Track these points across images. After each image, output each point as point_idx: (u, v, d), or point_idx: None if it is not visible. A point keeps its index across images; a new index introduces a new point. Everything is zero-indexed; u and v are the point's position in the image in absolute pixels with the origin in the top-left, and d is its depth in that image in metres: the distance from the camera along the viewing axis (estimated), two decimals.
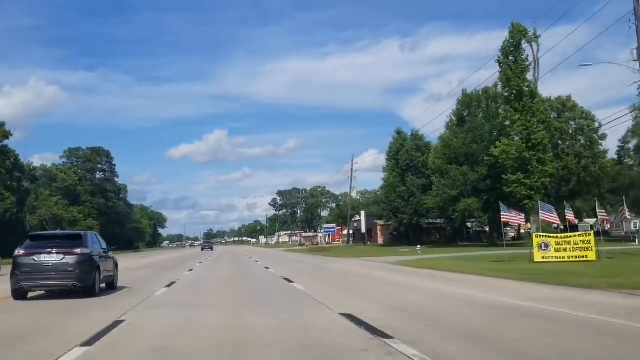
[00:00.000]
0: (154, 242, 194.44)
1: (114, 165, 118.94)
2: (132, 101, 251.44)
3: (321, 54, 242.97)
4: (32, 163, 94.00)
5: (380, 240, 79.73)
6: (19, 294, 13.93)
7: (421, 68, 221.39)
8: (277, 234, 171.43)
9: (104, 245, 16.56)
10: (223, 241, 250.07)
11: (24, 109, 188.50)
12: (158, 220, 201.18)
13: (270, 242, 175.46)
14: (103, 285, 15.66)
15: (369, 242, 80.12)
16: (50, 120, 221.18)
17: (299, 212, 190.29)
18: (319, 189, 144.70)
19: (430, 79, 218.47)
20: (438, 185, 52.90)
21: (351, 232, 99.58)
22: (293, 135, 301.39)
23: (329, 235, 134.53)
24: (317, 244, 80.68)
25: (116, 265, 17.38)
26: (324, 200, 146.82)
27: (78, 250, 14.10)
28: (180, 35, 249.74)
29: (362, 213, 80.00)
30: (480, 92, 53.89)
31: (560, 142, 53.64)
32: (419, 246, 43.44)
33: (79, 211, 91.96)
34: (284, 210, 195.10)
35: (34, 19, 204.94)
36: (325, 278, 21.17)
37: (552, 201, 51.62)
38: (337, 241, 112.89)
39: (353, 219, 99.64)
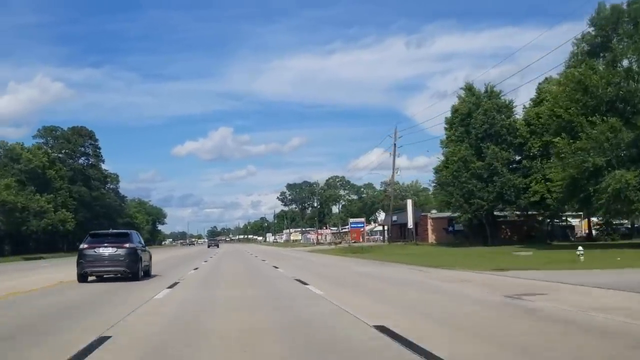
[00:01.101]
0: (153, 239, 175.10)
1: (99, 148, 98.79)
2: (138, 98, 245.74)
3: (326, 51, 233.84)
4: None
5: (431, 238, 59.38)
6: (83, 277, 17.35)
7: (426, 65, 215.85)
8: (287, 230, 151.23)
9: (142, 241, 20.06)
10: (227, 239, 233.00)
11: (29, 105, 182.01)
12: (157, 216, 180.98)
13: (278, 240, 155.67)
14: (141, 273, 18.22)
15: (413, 241, 59.65)
16: (56, 117, 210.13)
17: (310, 207, 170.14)
18: (337, 179, 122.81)
19: (436, 77, 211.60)
20: (567, 151, 32.31)
21: (385, 227, 79.23)
22: (298, 132, 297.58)
23: (340, 231, 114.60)
24: (349, 242, 60.39)
25: (150, 257, 20.49)
26: (343, 193, 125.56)
27: (127, 245, 17.59)
28: (186, 33, 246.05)
29: (409, 202, 59.60)
30: (627, 6, 33.36)
31: None
32: (580, 247, 23.02)
33: (47, 200, 71.74)
34: (293, 206, 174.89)
35: (39, 16, 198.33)
36: None
37: None
38: (357, 239, 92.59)
39: (385, 212, 79.86)
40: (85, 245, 17.68)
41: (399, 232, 69.67)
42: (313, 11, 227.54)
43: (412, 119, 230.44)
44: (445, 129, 52.16)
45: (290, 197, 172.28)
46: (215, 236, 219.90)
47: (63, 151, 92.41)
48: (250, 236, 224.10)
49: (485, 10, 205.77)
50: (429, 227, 60.19)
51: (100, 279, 17.83)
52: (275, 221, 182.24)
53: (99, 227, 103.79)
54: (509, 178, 44.03)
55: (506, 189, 43.84)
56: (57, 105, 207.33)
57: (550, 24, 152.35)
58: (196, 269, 25.12)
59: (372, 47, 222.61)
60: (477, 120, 46.30)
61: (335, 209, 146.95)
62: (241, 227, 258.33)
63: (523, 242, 47.53)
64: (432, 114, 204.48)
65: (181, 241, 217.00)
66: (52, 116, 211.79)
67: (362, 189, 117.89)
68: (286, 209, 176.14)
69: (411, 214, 58.48)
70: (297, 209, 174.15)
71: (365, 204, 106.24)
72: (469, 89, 49.00)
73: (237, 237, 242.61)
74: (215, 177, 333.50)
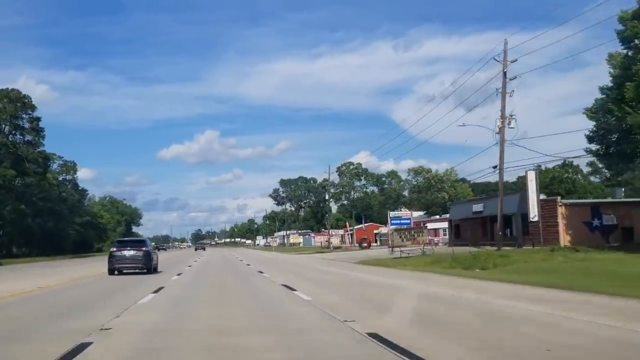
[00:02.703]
0: None
1: (39, 120, 70.97)
2: (122, 101, 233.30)
3: (312, 55, 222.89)
4: None
5: (565, 238, 33.28)
6: (112, 272, 22.88)
7: (412, 69, 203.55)
8: (282, 233, 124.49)
9: (152, 246, 27.68)
10: (212, 242, 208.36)
11: None
12: (131, 216, 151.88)
13: (271, 244, 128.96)
14: (153, 269, 23.96)
15: (540, 243, 33.35)
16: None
17: (306, 206, 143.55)
18: (351, 167, 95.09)
19: (421, 81, 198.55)
20: None
21: (452, 223, 52.72)
22: (285, 136, 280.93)
23: (350, 233, 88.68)
24: (429, 244, 33.49)
25: (157, 257, 26.11)
26: (360, 184, 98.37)
27: (144, 249, 23.56)
28: (171, 36, 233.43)
29: (531, 176, 33.27)
30: None
31: None
32: None
33: None
34: (287, 205, 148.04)
35: (23, 18, 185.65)
36: None
37: None
38: (360, 243, 66.65)
39: (454, 203, 54.39)
40: (115, 249, 23.61)
41: (481, 230, 43.41)
42: (299, 15, 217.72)
43: (399, 123, 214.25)
44: (620, 32, 26.86)
45: (284, 195, 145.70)
46: (200, 239, 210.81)
47: None
48: (237, 239, 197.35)
49: (470, 14, 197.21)
50: (560, 221, 34.01)
51: (122, 273, 22.58)
52: (267, 222, 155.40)
53: (43, 227, 75.87)
54: None
55: None
56: (41, 107, 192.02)
57: (535, 29, 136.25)
58: None
59: (358, 51, 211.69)
60: None
61: (336, 205, 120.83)
62: (227, 230, 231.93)
63: None
64: (418, 118, 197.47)
65: (162, 245, 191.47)
66: None
67: (383, 178, 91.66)
68: (278, 209, 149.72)
69: (535, 198, 32.28)
70: (290, 209, 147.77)
71: (389, 196, 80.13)
72: None
73: (222, 240, 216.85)
74: (201, 180, 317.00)
